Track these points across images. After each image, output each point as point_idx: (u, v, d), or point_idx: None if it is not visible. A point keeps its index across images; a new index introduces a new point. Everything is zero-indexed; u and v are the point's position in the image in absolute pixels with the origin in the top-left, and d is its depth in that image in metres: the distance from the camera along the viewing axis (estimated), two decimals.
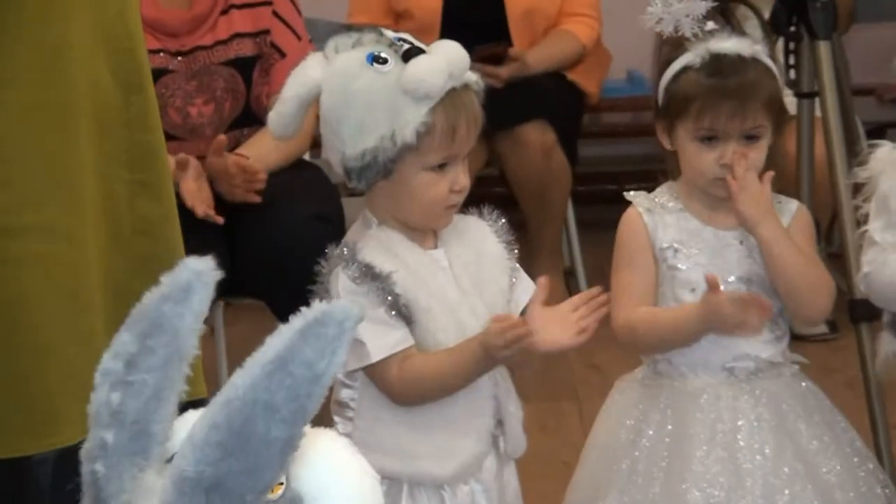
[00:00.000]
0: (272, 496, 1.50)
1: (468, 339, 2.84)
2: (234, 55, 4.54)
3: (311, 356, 1.43)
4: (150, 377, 1.48)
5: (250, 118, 4.62)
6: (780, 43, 4.20)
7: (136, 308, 1.50)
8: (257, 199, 4.31)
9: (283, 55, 4.59)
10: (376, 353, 2.82)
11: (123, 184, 2.68)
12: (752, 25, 4.67)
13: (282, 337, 1.44)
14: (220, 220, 4.30)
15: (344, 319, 1.44)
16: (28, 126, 2.57)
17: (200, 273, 1.49)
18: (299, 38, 4.63)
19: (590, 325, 2.86)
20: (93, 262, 2.60)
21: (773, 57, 3.19)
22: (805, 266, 3.11)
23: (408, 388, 2.85)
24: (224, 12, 4.52)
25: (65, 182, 2.60)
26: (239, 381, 1.44)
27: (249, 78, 4.58)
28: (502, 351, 2.75)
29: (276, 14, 4.58)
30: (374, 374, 2.86)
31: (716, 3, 3.15)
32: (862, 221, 3.27)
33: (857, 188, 3.33)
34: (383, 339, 2.81)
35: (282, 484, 1.51)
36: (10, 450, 2.52)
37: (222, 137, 4.37)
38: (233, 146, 4.53)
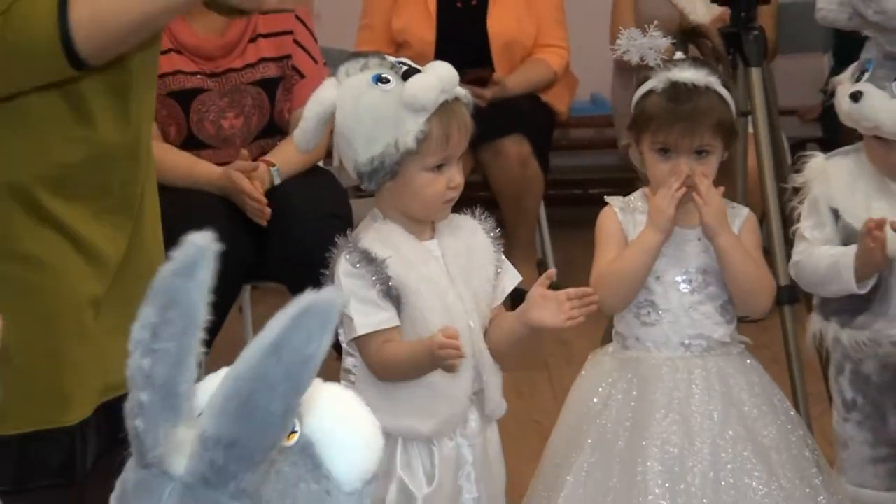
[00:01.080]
0: (288, 443, 1.50)
1: (427, 337, 2.83)
2: (260, 76, 4.53)
3: (300, 342, 1.42)
4: (172, 345, 1.46)
5: (274, 130, 4.61)
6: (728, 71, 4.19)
7: (153, 284, 1.48)
8: (263, 223, 4.31)
9: (302, 76, 4.57)
10: (361, 328, 2.83)
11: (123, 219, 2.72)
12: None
13: (277, 323, 1.42)
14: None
15: (329, 309, 1.42)
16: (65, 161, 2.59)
17: (203, 249, 1.47)
18: (316, 61, 4.62)
19: (578, 316, 2.86)
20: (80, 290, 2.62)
21: (727, 86, 3.17)
22: (753, 271, 3.12)
23: (380, 367, 2.86)
24: (252, 40, 4.51)
25: (87, 201, 2.63)
26: (245, 359, 1.42)
27: (273, 96, 4.56)
28: (436, 358, 2.77)
29: (296, 42, 4.57)
30: (359, 347, 2.88)
31: (680, 33, 3.19)
32: (795, 220, 3.27)
33: (791, 191, 3.35)
34: (369, 318, 2.83)
35: (295, 432, 1.51)
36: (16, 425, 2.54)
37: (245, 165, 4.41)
38: (259, 154, 4.56)
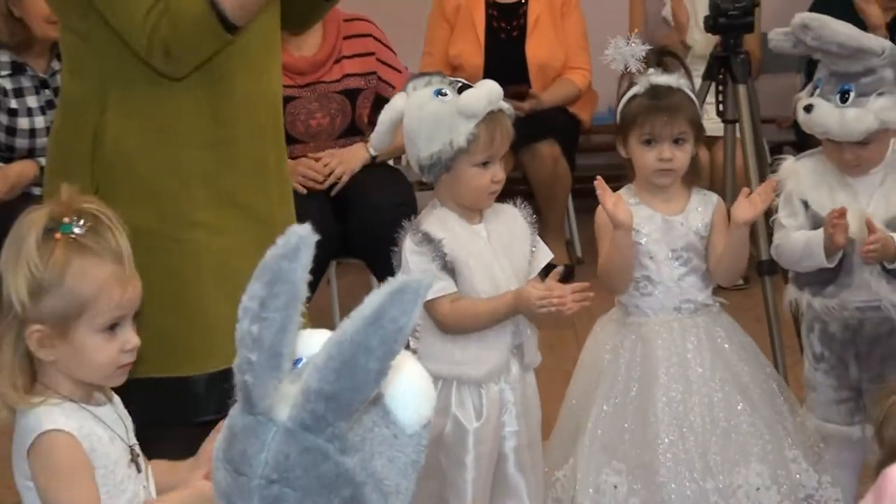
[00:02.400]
0: None
1: (501, 294, 2.88)
2: (343, 87, 4.52)
3: (396, 314, 1.42)
4: (277, 315, 1.45)
5: (355, 131, 4.60)
6: (713, 86, 4.17)
7: (260, 264, 1.48)
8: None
9: (392, 87, 4.52)
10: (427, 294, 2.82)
11: (272, 198, 2.73)
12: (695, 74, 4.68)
13: (376, 297, 1.42)
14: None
15: (419, 288, 1.43)
16: (218, 161, 2.62)
17: (304, 237, 1.47)
18: (400, 71, 4.62)
19: (578, 306, 2.90)
20: (248, 251, 2.58)
21: (693, 90, 3.18)
22: (727, 260, 3.12)
23: (453, 321, 2.87)
24: (337, 61, 4.49)
25: (234, 197, 2.64)
26: (347, 328, 1.42)
27: (355, 103, 4.55)
28: (537, 307, 2.81)
29: (379, 60, 4.56)
30: (429, 309, 2.86)
31: (653, 49, 3.14)
32: (774, 210, 3.23)
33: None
34: (433, 287, 2.78)
35: None
36: (181, 371, 2.53)
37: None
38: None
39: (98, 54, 2.54)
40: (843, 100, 3.04)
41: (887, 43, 3.08)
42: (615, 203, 3.00)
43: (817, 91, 3.09)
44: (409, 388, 1.53)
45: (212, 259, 2.59)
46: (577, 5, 5.60)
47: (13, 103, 4.57)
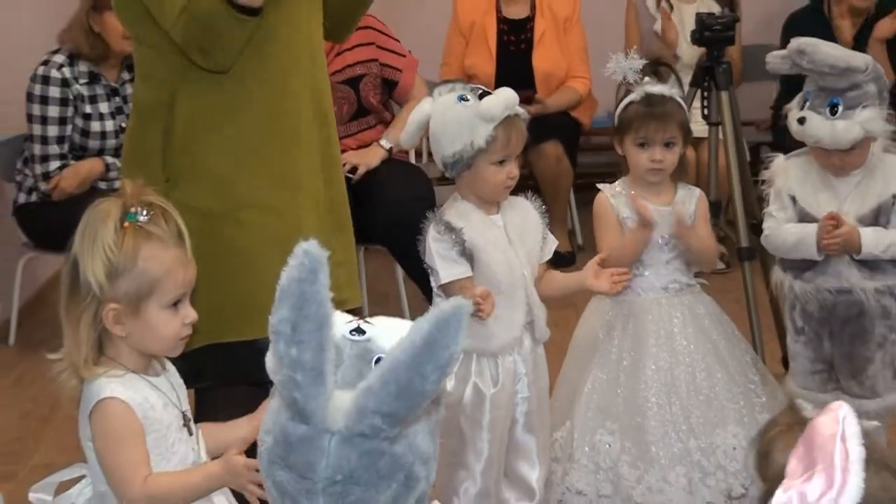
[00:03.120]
0: None
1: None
2: (345, 77, 4.43)
3: (446, 341, 1.40)
4: (312, 337, 1.43)
5: (364, 112, 4.53)
6: (699, 92, 4.16)
7: (280, 289, 1.45)
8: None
9: (398, 69, 4.49)
10: (444, 278, 2.85)
11: (320, 180, 2.68)
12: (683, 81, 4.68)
13: (425, 324, 1.41)
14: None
15: (462, 315, 1.41)
16: (258, 152, 2.59)
17: (317, 257, 1.44)
18: (403, 55, 4.54)
19: (620, 286, 2.97)
20: (299, 228, 2.57)
21: (683, 98, 3.19)
22: (706, 249, 3.15)
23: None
24: (339, 54, 4.40)
25: (286, 182, 2.62)
26: (400, 355, 1.41)
27: (358, 88, 4.47)
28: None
29: (379, 47, 4.47)
30: (444, 291, 2.87)
31: (648, 62, 3.14)
32: (765, 204, 3.24)
33: (760, 182, 3.30)
34: (449, 270, 2.85)
35: None
36: (246, 335, 2.52)
37: None
38: (357, 130, 4.52)
39: (166, 61, 2.55)
40: (833, 112, 3.03)
41: (869, 59, 3.07)
42: (646, 208, 3.04)
43: (807, 104, 3.08)
44: None
45: (268, 235, 2.57)
46: (579, 21, 5.58)
47: (88, 108, 4.62)
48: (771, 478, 1.41)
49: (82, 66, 4.58)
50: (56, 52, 4.61)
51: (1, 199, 4.93)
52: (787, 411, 1.46)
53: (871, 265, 3.09)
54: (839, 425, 1.27)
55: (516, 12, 5.56)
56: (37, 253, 4.83)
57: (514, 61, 5.50)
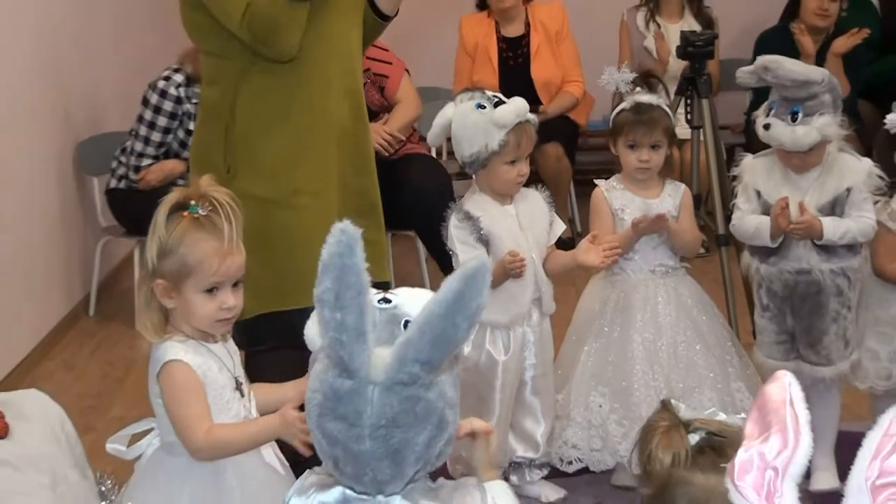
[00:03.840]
0: None
1: (499, 260, 2.80)
2: None
3: (473, 294, 1.42)
4: (353, 302, 1.44)
5: (371, 114, 4.42)
6: (683, 100, 4.15)
7: (322, 263, 1.46)
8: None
9: (386, 76, 4.41)
10: (464, 260, 2.82)
11: (353, 169, 2.68)
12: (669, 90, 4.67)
13: (455, 282, 1.42)
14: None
15: (485, 271, 1.43)
16: (307, 145, 2.59)
17: (353, 234, 1.45)
18: (391, 63, 4.45)
19: (609, 260, 2.93)
20: (335, 212, 2.57)
21: (669, 106, 3.18)
22: (691, 240, 3.15)
23: None
24: None
25: (320, 172, 2.61)
26: (434, 308, 1.43)
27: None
28: (507, 270, 2.78)
29: (369, 58, 4.26)
30: None
31: (638, 75, 3.15)
32: (733, 197, 3.24)
33: (731, 178, 3.30)
34: (468, 254, 2.85)
35: None
36: (299, 303, 2.48)
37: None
38: None
39: (228, 68, 2.57)
40: (794, 119, 3.02)
41: (826, 73, 3.07)
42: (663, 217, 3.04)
43: (772, 112, 3.07)
44: None
45: (315, 216, 2.56)
46: (569, 32, 5.50)
47: (192, 126, 4.48)
48: (654, 472, 1.38)
49: (196, 89, 4.50)
50: (177, 70, 4.58)
51: (83, 191, 4.92)
52: (663, 413, 1.42)
53: (827, 249, 3.08)
54: (787, 391, 1.25)
55: (513, 31, 5.50)
56: (112, 237, 4.86)
57: (515, 73, 5.44)
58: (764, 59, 3.10)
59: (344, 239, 1.46)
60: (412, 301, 1.54)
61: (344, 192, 2.63)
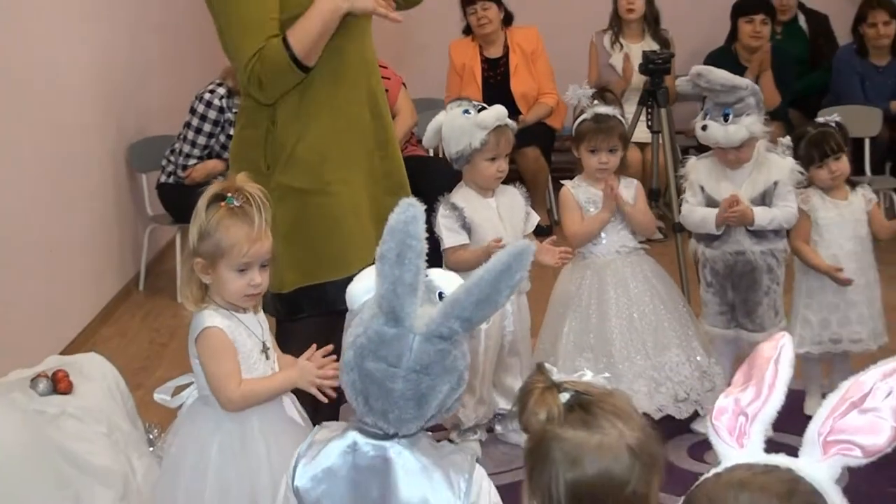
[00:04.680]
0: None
1: (481, 246, 2.77)
2: None
3: (518, 268, 1.44)
4: (412, 262, 1.46)
5: None
6: (644, 109, 4.15)
7: (389, 227, 1.47)
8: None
9: (386, 90, 4.34)
10: (448, 243, 2.87)
11: (377, 157, 2.66)
12: (631, 102, 4.67)
13: (505, 255, 1.44)
14: None
15: (531, 251, 1.45)
16: (335, 142, 2.56)
17: (417, 207, 1.47)
18: (389, 78, 4.35)
19: (563, 261, 2.96)
20: (363, 195, 2.57)
21: (623, 115, 3.16)
22: (645, 221, 3.14)
23: (454, 264, 2.82)
24: None
25: (348, 163, 2.58)
26: (484, 274, 1.44)
27: None
28: (489, 253, 2.69)
29: None
30: (448, 255, 2.88)
31: (597, 90, 3.15)
32: (683, 192, 3.25)
33: (681, 176, 3.30)
34: (452, 238, 2.87)
35: (442, 295, 1.53)
36: (332, 276, 2.51)
37: None
38: None
39: None
40: (726, 120, 3.05)
41: (749, 81, 3.10)
42: (619, 197, 3.04)
43: (708, 116, 3.10)
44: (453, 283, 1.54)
45: (345, 201, 2.54)
46: (543, 51, 5.47)
47: (232, 131, 4.54)
48: (531, 428, 1.36)
49: (236, 100, 4.47)
50: (219, 85, 4.57)
51: (134, 185, 4.92)
52: (539, 375, 1.40)
53: (758, 234, 3.10)
54: (776, 351, 1.22)
55: (494, 52, 5.48)
56: (158, 225, 4.87)
57: (496, 89, 5.39)
58: (697, 68, 3.14)
59: (411, 210, 1.47)
60: (443, 277, 1.55)
61: (371, 177, 2.59)
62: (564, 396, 1.35)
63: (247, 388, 2.06)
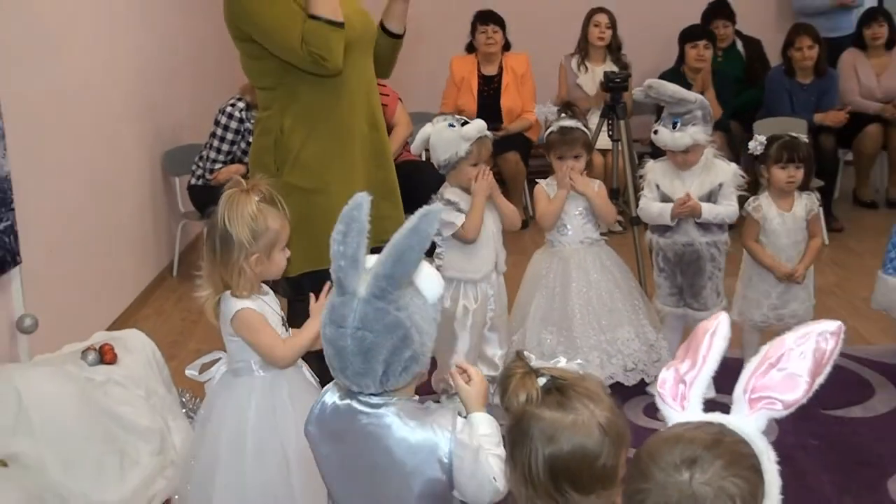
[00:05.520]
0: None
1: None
2: None
3: (426, 227, 1.43)
4: (353, 240, 1.47)
5: None
6: (606, 121, 4.12)
7: (341, 215, 1.49)
8: None
9: (385, 105, 4.23)
10: (448, 232, 2.84)
11: (373, 164, 2.64)
12: (595, 114, 4.66)
13: (414, 218, 1.43)
14: None
15: (436, 212, 1.44)
16: (336, 149, 2.54)
17: (364, 198, 1.50)
18: (388, 94, 4.35)
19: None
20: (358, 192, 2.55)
21: (586, 125, 3.13)
22: (607, 210, 3.10)
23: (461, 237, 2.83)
24: None
25: (347, 168, 2.57)
26: (398, 236, 1.44)
27: None
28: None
29: None
30: (455, 235, 2.85)
31: (561, 106, 3.13)
32: (640, 190, 3.24)
33: (639, 177, 3.29)
34: (455, 221, 2.83)
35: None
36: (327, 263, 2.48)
37: None
38: None
39: (279, 98, 2.53)
40: (674, 127, 3.06)
41: (699, 96, 3.10)
42: (575, 179, 3.02)
43: (661, 123, 3.11)
44: (428, 279, 1.53)
45: (343, 201, 2.50)
46: (531, 75, 5.49)
47: (251, 139, 4.54)
48: (512, 409, 1.33)
49: (253, 113, 4.47)
50: (239, 99, 4.55)
51: (168, 187, 4.90)
52: (518, 362, 1.37)
53: (705, 227, 3.10)
54: (714, 326, 1.22)
55: (489, 71, 5.48)
56: (188, 220, 4.85)
57: (488, 101, 5.42)
58: (648, 81, 3.15)
59: (357, 199, 1.50)
60: (421, 265, 1.53)
61: (367, 181, 2.57)
62: (542, 381, 1.33)
63: (290, 345, 2.06)
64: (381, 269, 1.45)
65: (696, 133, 3.04)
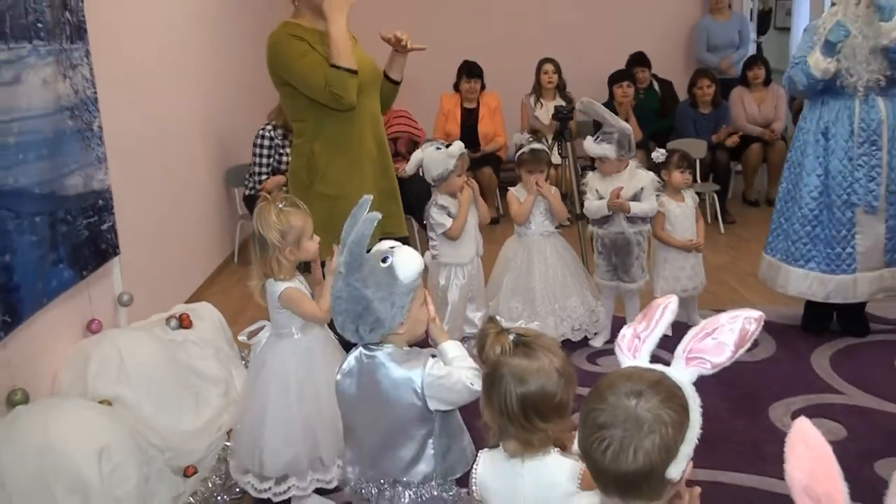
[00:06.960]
0: (384, 265, 1.48)
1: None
2: (392, 137, 4.29)
3: (359, 215, 1.47)
4: (349, 230, 1.49)
5: (396, 153, 4.42)
6: (556, 142, 4.12)
7: (350, 215, 1.50)
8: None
9: (419, 137, 4.37)
10: (445, 227, 2.81)
11: (381, 178, 2.60)
12: (548, 137, 4.63)
13: (361, 227, 1.44)
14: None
15: (373, 220, 1.46)
16: (353, 167, 2.49)
17: (367, 199, 1.53)
18: (420, 129, 4.40)
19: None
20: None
21: (549, 147, 3.13)
22: (560, 209, 3.07)
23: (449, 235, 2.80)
24: (390, 125, 4.28)
25: (361, 179, 2.53)
26: (351, 237, 1.45)
27: (396, 142, 4.36)
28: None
29: (409, 126, 4.25)
30: (445, 234, 2.83)
31: (531, 133, 3.13)
32: (583, 194, 3.22)
33: (584, 184, 3.26)
34: (446, 223, 2.80)
35: (386, 259, 1.49)
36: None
37: None
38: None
39: (309, 128, 2.50)
40: (595, 140, 3.08)
41: (623, 123, 3.07)
42: (545, 189, 3.00)
43: (591, 135, 3.12)
44: (404, 266, 1.50)
45: (353, 203, 2.53)
46: (500, 109, 5.45)
47: (283, 156, 4.48)
48: (489, 360, 1.33)
49: (279, 131, 4.44)
50: (268, 124, 4.49)
51: (230, 195, 4.86)
52: (492, 323, 1.36)
53: (632, 220, 3.10)
54: (667, 301, 1.23)
55: (469, 105, 5.43)
56: (244, 220, 4.81)
57: (468, 128, 5.37)
58: (583, 99, 3.12)
59: (361, 201, 1.52)
60: (403, 260, 1.51)
61: (377, 189, 2.54)
62: (511, 337, 1.34)
63: (322, 306, 2.00)
64: (344, 258, 1.48)
65: (606, 149, 3.04)
